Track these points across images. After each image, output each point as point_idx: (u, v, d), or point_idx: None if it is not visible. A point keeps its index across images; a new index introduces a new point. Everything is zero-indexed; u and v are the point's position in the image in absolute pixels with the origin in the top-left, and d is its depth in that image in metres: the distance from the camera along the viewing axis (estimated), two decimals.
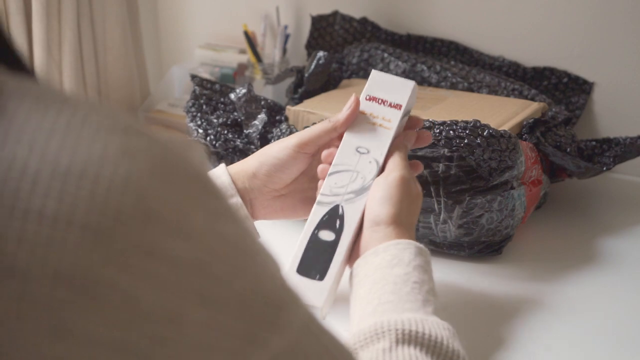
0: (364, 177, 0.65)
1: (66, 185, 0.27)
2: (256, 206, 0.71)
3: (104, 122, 0.29)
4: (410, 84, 0.68)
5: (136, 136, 0.29)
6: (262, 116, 0.92)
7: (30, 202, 0.26)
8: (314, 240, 0.63)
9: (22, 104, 0.29)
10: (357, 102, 0.68)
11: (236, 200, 0.69)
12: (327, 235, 0.63)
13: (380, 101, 0.68)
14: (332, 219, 0.63)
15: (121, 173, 0.28)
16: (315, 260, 0.62)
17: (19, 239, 0.26)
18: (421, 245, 0.60)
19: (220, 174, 0.70)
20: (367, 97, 0.68)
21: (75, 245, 0.27)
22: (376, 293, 0.56)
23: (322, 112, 0.89)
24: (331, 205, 0.64)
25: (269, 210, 0.72)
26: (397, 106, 0.67)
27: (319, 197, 0.65)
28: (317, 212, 0.64)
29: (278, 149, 0.70)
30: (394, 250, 0.58)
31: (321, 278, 0.61)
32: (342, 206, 0.64)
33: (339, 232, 0.63)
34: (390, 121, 0.67)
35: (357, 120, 0.68)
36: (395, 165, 0.65)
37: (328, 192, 0.65)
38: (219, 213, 0.31)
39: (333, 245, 0.62)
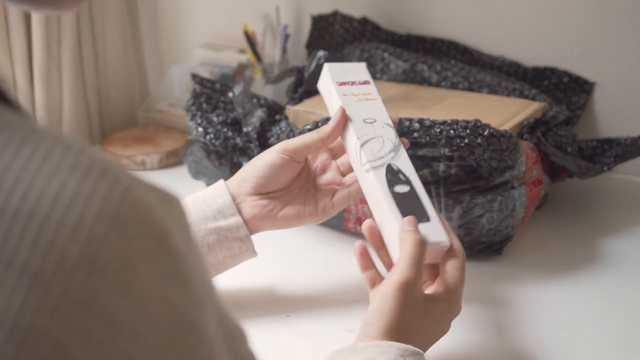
0: (389, 137, 0.69)
1: (12, 226, 0.25)
2: (245, 211, 0.70)
3: (66, 159, 0.27)
4: (362, 64, 0.76)
5: (97, 177, 0.27)
6: (259, 113, 0.92)
7: None
8: (396, 196, 0.64)
9: None
10: (344, 114, 0.69)
11: (236, 220, 0.69)
12: (401, 189, 0.65)
13: (350, 83, 0.72)
14: (394, 175, 0.66)
15: (73, 216, 0.26)
16: (411, 210, 0.63)
17: None
18: (408, 347, 0.54)
19: (222, 192, 0.70)
20: (339, 83, 0.72)
21: (11, 289, 0.25)
22: None
23: (322, 111, 0.89)
24: (384, 166, 0.66)
25: (258, 215, 0.70)
26: (366, 82, 0.73)
27: (367, 165, 0.67)
28: (379, 175, 0.66)
29: (267, 153, 0.71)
30: (371, 354, 0.53)
31: (428, 219, 0.63)
32: (393, 164, 0.66)
33: (408, 181, 0.65)
34: (371, 94, 0.72)
35: (346, 101, 0.71)
36: (396, 268, 0.59)
37: (372, 158, 0.67)
38: (171, 276, 0.28)
39: (412, 192, 0.65)
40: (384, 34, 1.14)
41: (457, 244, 0.63)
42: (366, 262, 0.64)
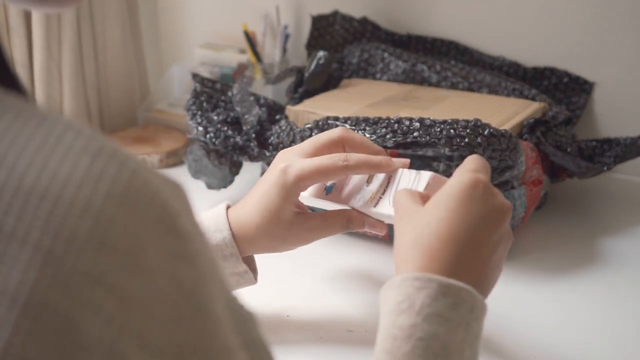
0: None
1: (27, 205, 0.27)
2: (242, 251, 0.66)
3: (77, 142, 0.28)
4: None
5: (106, 160, 0.28)
6: (256, 111, 0.92)
7: None
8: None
9: (0, 119, 0.29)
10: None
11: (235, 258, 0.65)
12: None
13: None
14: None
15: (83, 196, 0.27)
16: None
17: None
18: (453, 282, 0.46)
19: (222, 227, 0.65)
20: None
21: (25, 264, 0.26)
22: (377, 348, 0.47)
23: (322, 112, 0.89)
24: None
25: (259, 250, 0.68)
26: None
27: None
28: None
29: (281, 211, 0.64)
30: (409, 289, 0.47)
31: None
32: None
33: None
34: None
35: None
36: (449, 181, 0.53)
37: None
38: (178, 254, 0.29)
39: None
40: (384, 34, 1.14)
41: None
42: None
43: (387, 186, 0.64)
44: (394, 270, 0.52)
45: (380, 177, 0.66)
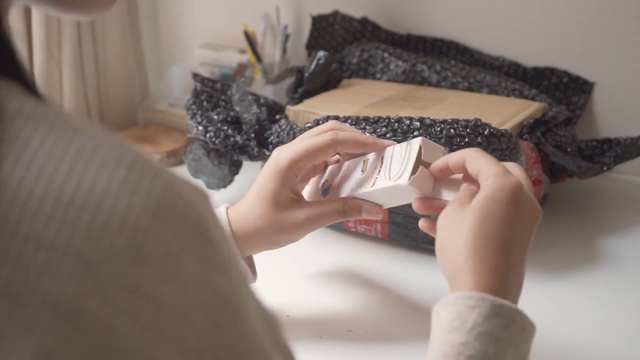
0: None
1: (67, 216, 0.27)
2: (244, 251, 0.67)
3: (112, 154, 0.29)
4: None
5: (141, 172, 0.29)
6: (254, 109, 0.92)
7: (31, 227, 0.27)
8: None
9: (36, 130, 0.29)
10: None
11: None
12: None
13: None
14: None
15: (120, 208, 0.28)
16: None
17: (15, 263, 0.27)
18: (506, 303, 0.47)
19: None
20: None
21: (67, 275, 0.27)
22: None
23: (322, 111, 0.89)
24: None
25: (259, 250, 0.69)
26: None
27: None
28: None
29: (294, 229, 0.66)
30: (461, 307, 0.47)
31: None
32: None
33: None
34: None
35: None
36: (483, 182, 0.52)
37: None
38: (211, 262, 0.31)
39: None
40: (384, 34, 1.14)
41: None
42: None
43: (381, 166, 0.64)
44: (444, 270, 0.53)
45: (374, 161, 0.66)
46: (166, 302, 0.29)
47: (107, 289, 0.27)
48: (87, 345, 0.27)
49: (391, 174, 0.62)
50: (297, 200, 0.67)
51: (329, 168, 0.72)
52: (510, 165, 0.57)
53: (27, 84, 0.33)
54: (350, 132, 0.66)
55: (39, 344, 0.27)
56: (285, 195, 0.65)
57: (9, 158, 0.28)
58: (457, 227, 0.51)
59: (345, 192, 0.67)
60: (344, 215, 0.66)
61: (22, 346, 0.27)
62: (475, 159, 0.54)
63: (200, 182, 0.97)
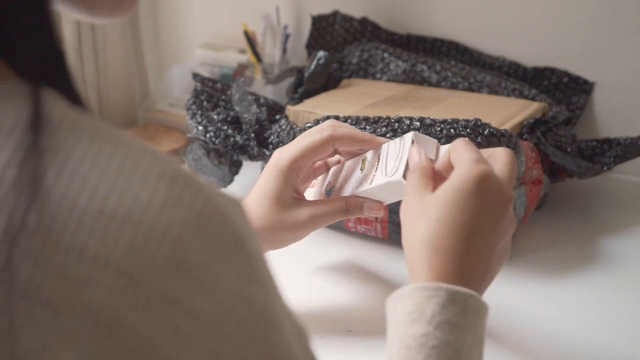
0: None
1: (109, 228, 0.28)
2: None
3: (154, 167, 0.30)
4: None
5: (182, 186, 0.30)
6: (253, 109, 0.92)
7: (74, 239, 0.27)
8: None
9: (79, 141, 0.29)
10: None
11: None
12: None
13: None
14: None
15: (162, 222, 0.28)
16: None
17: (58, 274, 0.27)
18: (460, 289, 0.47)
19: None
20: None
21: (109, 287, 0.27)
22: (391, 358, 0.48)
23: (322, 111, 0.89)
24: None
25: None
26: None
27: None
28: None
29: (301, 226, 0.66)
30: (419, 299, 0.48)
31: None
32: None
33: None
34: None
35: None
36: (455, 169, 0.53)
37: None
38: (249, 275, 0.31)
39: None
40: (384, 34, 1.14)
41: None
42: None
43: (378, 163, 0.65)
44: (406, 261, 0.53)
45: (372, 159, 0.66)
46: (203, 314, 0.29)
47: (148, 302, 0.28)
48: (126, 357, 0.28)
49: (387, 170, 0.62)
50: (300, 199, 0.67)
51: (331, 170, 0.72)
52: (495, 151, 0.56)
53: (71, 93, 0.33)
54: (347, 128, 0.67)
55: (80, 354, 0.27)
56: (288, 194, 0.66)
57: (53, 168, 0.28)
58: (417, 218, 0.52)
59: (347, 191, 0.68)
60: (346, 214, 0.66)
61: (64, 356, 0.27)
62: (456, 148, 0.54)
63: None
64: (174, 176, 0.30)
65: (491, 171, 0.51)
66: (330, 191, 0.70)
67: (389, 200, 0.67)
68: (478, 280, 0.51)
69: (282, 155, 0.66)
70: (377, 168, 0.64)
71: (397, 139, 0.64)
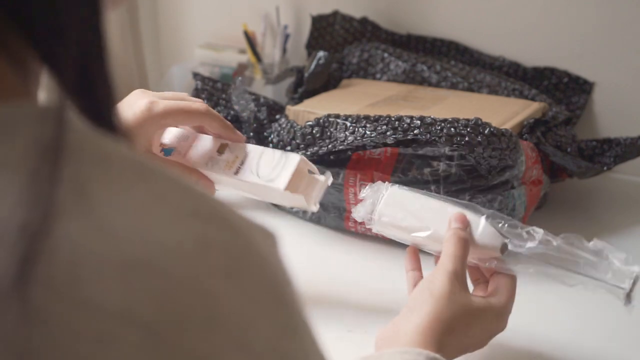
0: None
1: (132, 278, 0.24)
2: None
3: (184, 203, 0.26)
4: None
5: (218, 226, 0.26)
6: (251, 107, 0.92)
7: (90, 292, 0.23)
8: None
9: (98, 172, 0.25)
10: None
11: None
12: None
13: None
14: None
15: (196, 271, 0.25)
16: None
17: (73, 333, 0.23)
18: (438, 357, 0.51)
19: None
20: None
21: (131, 346, 0.24)
22: None
23: (322, 111, 0.89)
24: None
25: None
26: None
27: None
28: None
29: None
30: None
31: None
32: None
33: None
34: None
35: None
36: (444, 260, 0.59)
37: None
38: (286, 327, 0.28)
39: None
40: (384, 34, 1.14)
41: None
42: (414, 263, 0.65)
43: (245, 158, 0.67)
44: (405, 307, 0.57)
45: (234, 149, 0.67)
46: None
47: None
48: None
49: (260, 172, 0.65)
50: (152, 153, 0.68)
51: (170, 130, 0.71)
52: (500, 284, 0.62)
53: (105, 111, 0.29)
54: (221, 116, 0.68)
55: None
56: (142, 146, 0.66)
57: (66, 208, 0.24)
58: (441, 298, 0.56)
59: (197, 162, 0.68)
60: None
61: None
62: (507, 280, 0.61)
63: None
64: (209, 214, 0.26)
65: (503, 328, 0.60)
66: (170, 151, 0.69)
67: (245, 194, 0.70)
68: (453, 356, 0.56)
69: (158, 103, 0.64)
70: (243, 162, 0.66)
71: (278, 152, 0.66)
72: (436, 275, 0.57)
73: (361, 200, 0.68)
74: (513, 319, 0.71)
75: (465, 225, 0.61)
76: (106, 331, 0.23)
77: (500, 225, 0.63)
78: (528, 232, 0.63)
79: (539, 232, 0.62)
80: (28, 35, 0.28)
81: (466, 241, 0.60)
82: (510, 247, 0.62)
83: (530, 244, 0.62)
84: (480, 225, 0.62)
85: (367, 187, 0.68)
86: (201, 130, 0.69)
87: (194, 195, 0.27)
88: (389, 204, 0.66)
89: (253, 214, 0.72)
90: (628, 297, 0.58)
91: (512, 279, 0.61)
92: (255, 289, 0.27)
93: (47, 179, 0.24)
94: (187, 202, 0.26)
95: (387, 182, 0.68)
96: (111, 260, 0.24)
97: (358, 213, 0.67)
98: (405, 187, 0.67)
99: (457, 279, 0.57)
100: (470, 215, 0.63)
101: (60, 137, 0.25)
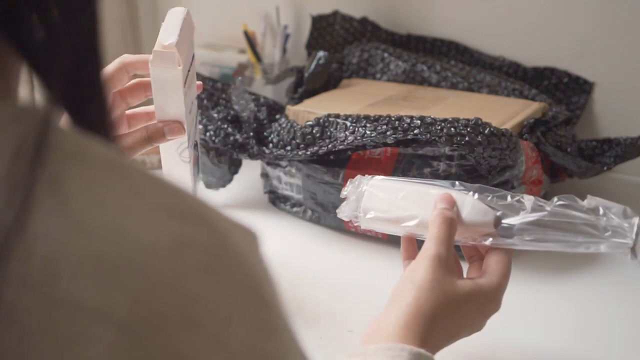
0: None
1: (108, 276, 0.24)
2: None
3: (161, 200, 0.26)
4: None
5: (196, 224, 0.26)
6: (251, 106, 0.92)
7: (67, 291, 0.23)
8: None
9: (75, 170, 0.25)
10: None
11: None
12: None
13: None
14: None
15: (173, 269, 0.24)
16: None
17: (49, 333, 0.23)
18: (421, 352, 0.49)
19: None
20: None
21: (109, 346, 0.23)
22: None
23: (322, 111, 0.89)
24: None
25: None
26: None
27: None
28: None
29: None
30: (381, 357, 0.49)
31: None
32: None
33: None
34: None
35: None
36: (428, 245, 0.56)
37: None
38: (265, 326, 0.27)
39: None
40: (384, 34, 1.14)
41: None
42: (410, 252, 0.62)
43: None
44: (390, 297, 0.56)
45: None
46: None
47: None
48: None
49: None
50: None
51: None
52: (492, 264, 0.58)
53: (94, 114, 0.29)
54: (138, 55, 0.67)
55: None
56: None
57: (44, 205, 0.24)
58: (426, 286, 0.53)
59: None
60: (149, 141, 0.67)
61: None
62: (501, 257, 0.57)
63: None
64: (186, 211, 0.26)
65: (497, 308, 0.57)
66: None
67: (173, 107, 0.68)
68: (441, 345, 0.54)
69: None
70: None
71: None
72: (418, 263, 0.54)
73: (344, 199, 0.65)
74: (513, 321, 0.71)
75: (452, 204, 0.57)
76: (81, 330, 0.23)
77: (489, 199, 0.59)
78: (519, 201, 0.59)
79: (529, 199, 0.59)
80: (20, 45, 0.28)
81: (452, 220, 0.56)
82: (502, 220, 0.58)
83: (522, 213, 0.58)
84: (469, 202, 0.58)
85: (348, 185, 0.65)
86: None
87: (172, 193, 0.26)
88: (372, 198, 0.62)
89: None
90: (633, 251, 0.54)
91: (505, 256, 0.57)
92: (232, 288, 0.26)
93: (22, 176, 0.24)
94: (166, 200, 0.26)
95: (366, 175, 0.64)
96: (87, 256, 0.24)
97: (343, 213, 0.64)
98: (387, 178, 0.63)
99: (441, 263, 0.54)
100: (456, 194, 0.58)
101: (40, 136, 0.25)
